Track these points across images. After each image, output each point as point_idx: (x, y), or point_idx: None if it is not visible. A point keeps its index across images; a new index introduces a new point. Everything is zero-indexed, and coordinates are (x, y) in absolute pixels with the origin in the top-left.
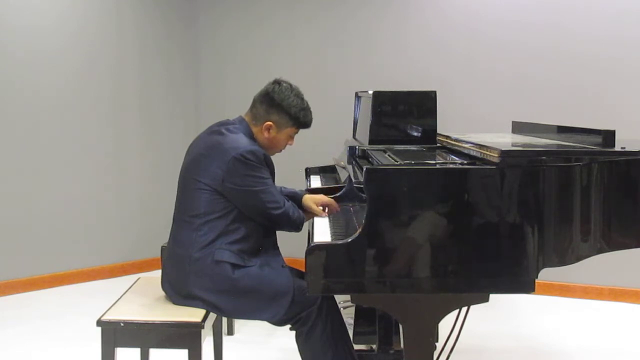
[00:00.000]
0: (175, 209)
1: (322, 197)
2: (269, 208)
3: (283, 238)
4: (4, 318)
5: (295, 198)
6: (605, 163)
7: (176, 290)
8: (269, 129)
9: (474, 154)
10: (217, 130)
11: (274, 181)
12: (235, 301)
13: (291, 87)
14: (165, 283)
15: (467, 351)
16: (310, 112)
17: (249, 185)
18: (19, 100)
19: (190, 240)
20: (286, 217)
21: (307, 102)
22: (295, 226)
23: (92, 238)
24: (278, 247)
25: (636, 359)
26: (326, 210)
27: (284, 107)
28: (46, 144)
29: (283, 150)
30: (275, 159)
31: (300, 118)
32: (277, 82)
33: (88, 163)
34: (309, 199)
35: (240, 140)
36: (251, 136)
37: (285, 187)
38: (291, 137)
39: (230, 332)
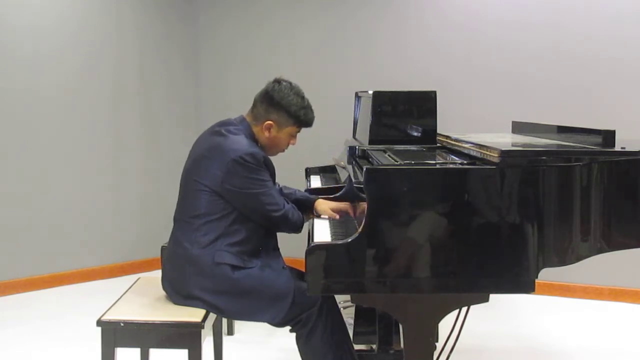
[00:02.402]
0: (176, 210)
1: (339, 205)
2: (269, 210)
3: (283, 238)
4: (4, 318)
5: (306, 203)
6: (605, 163)
7: (176, 290)
8: (269, 128)
9: (474, 154)
10: (218, 131)
11: (274, 183)
12: (236, 302)
13: (291, 86)
14: (166, 283)
15: (467, 351)
16: (312, 110)
17: (248, 187)
18: (19, 100)
19: (190, 240)
20: (285, 219)
21: (307, 101)
22: (295, 228)
23: (92, 238)
24: (279, 249)
25: (636, 359)
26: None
27: (284, 106)
28: (46, 144)
29: (286, 150)
30: (275, 159)
31: (300, 116)
32: (277, 81)
33: (88, 163)
34: (324, 204)
35: (240, 142)
36: (252, 136)
37: (298, 190)
38: (293, 137)
39: (230, 332)
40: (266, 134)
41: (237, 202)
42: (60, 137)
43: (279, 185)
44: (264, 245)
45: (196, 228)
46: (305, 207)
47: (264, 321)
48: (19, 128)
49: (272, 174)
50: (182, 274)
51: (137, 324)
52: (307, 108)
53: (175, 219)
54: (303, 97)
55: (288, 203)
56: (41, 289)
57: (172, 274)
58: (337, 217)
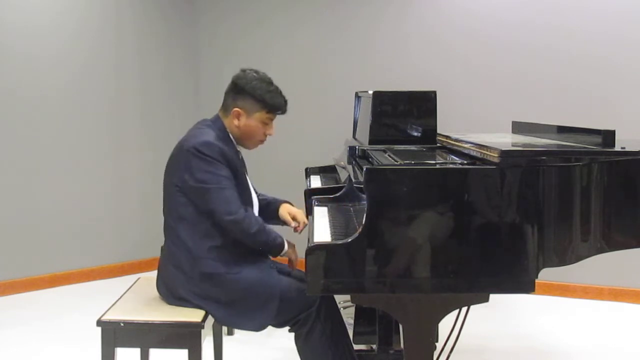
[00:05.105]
0: (162, 212)
1: (296, 212)
2: (219, 212)
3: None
4: (3, 318)
5: (271, 205)
6: (605, 163)
7: (170, 291)
8: (238, 116)
9: (474, 154)
10: (190, 129)
11: (238, 179)
12: (222, 310)
13: (257, 73)
14: (160, 284)
15: (467, 351)
16: (281, 95)
17: (202, 181)
18: (19, 100)
19: (175, 244)
20: (237, 226)
21: (276, 87)
22: (250, 238)
23: (92, 238)
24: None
25: (636, 359)
26: (295, 224)
27: (248, 91)
28: (46, 143)
29: (265, 141)
30: (275, 158)
31: (267, 100)
32: (242, 70)
33: (88, 163)
34: (284, 208)
35: (199, 134)
36: (223, 130)
37: (266, 196)
38: (266, 124)
39: (230, 332)
40: (235, 122)
41: (196, 200)
42: (60, 137)
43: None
44: (244, 247)
45: (178, 232)
46: (272, 209)
47: (250, 330)
48: (19, 128)
49: (235, 169)
50: (172, 276)
51: (137, 324)
52: (274, 92)
53: (163, 222)
54: (270, 83)
55: (246, 210)
56: (41, 289)
57: (165, 275)
58: (293, 224)
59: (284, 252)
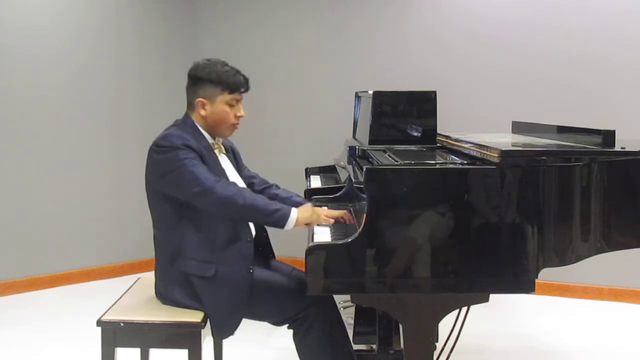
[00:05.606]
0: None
1: (331, 212)
2: (188, 189)
3: (283, 238)
4: (3, 318)
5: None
6: (605, 163)
7: (167, 295)
8: (203, 105)
9: (474, 154)
10: None
11: (209, 164)
12: (208, 314)
13: (209, 60)
14: (157, 289)
15: (467, 351)
16: (238, 73)
17: (168, 171)
18: (19, 100)
19: (162, 251)
20: (209, 195)
21: (231, 67)
22: (237, 206)
23: (92, 238)
24: (252, 243)
25: (636, 359)
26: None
27: (204, 77)
28: (46, 144)
29: (238, 124)
30: (275, 158)
31: (224, 80)
32: (194, 62)
33: (88, 163)
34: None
35: (162, 133)
36: (191, 125)
37: (297, 195)
38: (232, 106)
39: None
40: (202, 112)
41: (173, 193)
42: (60, 137)
43: (273, 186)
44: (229, 241)
45: (159, 236)
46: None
47: (219, 338)
48: (19, 128)
49: (202, 156)
50: (163, 281)
51: (137, 324)
52: (231, 71)
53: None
54: (224, 64)
55: (219, 180)
56: (41, 289)
57: (159, 280)
58: (332, 221)
59: (290, 221)
